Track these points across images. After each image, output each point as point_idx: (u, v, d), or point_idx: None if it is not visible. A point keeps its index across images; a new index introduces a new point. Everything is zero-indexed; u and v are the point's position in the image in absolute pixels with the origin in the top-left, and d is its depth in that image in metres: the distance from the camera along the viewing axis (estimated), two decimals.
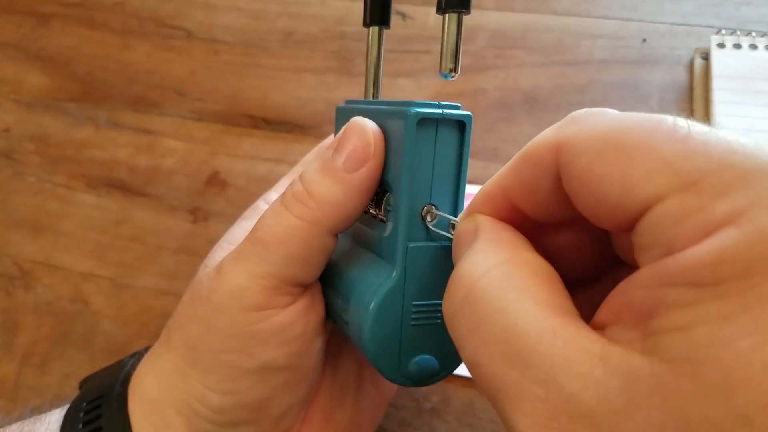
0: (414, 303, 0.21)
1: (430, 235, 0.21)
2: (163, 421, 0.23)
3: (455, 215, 0.21)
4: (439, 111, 0.20)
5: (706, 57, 0.41)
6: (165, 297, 0.39)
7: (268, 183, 0.33)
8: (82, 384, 0.27)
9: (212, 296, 0.22)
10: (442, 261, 0.21)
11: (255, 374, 0.22)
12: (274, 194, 0.29)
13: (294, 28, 0.51)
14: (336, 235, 0.22)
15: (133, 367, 0.25)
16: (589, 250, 0.17)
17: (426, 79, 0.45)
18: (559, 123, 0.15)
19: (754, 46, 0.40)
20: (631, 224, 0.13)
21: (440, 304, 0.21)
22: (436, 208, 0.21)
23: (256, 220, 0.23)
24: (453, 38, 0.22)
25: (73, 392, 0.26)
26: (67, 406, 0.25)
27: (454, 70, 0.22)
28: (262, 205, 0.28)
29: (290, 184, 0.22)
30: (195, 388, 0.23)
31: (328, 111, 0.46)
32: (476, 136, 0.42)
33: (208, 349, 0.22)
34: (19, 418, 0.25)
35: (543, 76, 0.44)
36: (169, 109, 0.48)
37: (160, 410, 0.24)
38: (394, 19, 0.49)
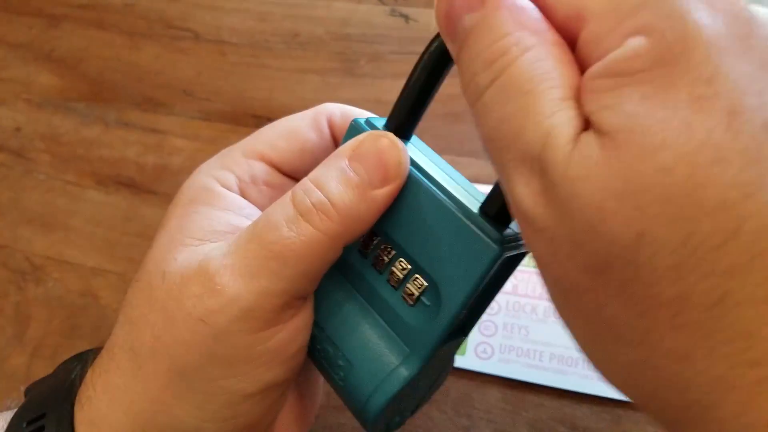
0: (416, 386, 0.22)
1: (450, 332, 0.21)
2: None
3: (477, 318, 0.22)
4: (522, 252, 0.19)
5: None
6: None
7: None
8: (28, 391, 0.23)
9: (212, 319, 0.19)
10: (451, 352, 0.22)
11: (256, 396, 0.20)
12: (220, 172, 0.24)
13: (299, 30, 0.52)
14: None
15: (79, 379, 0.22)
16: None
17: None
18: None
19: None
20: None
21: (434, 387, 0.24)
22: (466, 314, 0.21)
23: (218, 209, 0.21)
24: None
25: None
26: (10, 414, 0.22)
27: None
28: (217, 188, 0.23)
29: (303, 191, 0.20)
30: (185, 422, 0.20)
31: None
32: (474, 135, 0.43)
33: (204, 378, 0.20)
34: None
35: None
36: (176, 108, 0.49)
37: None
38: (398, 20, 0.50)
